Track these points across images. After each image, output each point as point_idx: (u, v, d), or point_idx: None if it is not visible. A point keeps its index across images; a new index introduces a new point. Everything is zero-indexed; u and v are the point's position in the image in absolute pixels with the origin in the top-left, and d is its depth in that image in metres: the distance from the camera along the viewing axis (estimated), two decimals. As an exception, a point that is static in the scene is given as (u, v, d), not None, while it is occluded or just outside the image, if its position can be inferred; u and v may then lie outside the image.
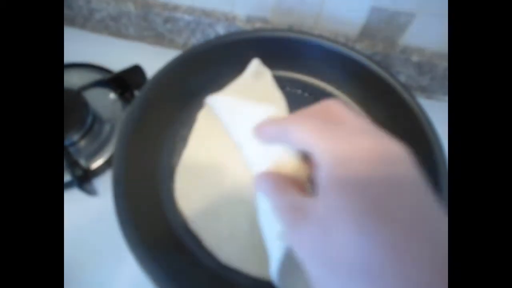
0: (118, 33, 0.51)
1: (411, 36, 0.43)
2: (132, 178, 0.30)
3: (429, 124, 0.35)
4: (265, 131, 0.21)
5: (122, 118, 0.42)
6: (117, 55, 0.48)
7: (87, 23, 0.51)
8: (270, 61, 0.40)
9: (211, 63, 0.38)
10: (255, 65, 0.39)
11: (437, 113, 0.37)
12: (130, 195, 0.29)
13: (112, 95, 0.44)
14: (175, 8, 0.46)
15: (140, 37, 0.51)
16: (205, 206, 0.31)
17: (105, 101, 0.44)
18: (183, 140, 0.36)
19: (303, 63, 0.41)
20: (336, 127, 0.18)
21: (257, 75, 0.39)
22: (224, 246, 0.30)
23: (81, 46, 0.48)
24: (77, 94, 0.42)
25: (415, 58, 0.44)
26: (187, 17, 0.46)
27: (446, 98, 0.50)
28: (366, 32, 0.44)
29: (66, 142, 0.40)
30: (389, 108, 0.38)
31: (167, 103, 0.35)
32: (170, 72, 0.35)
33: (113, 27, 0.50)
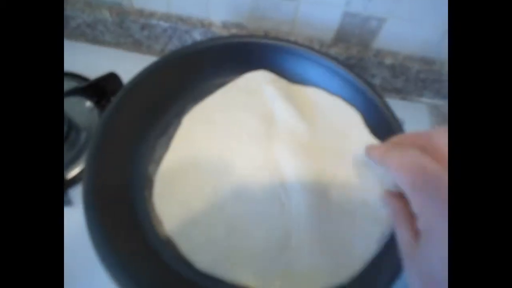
0: (95, 40, 0.51)
1: (384, 40, 0.44)
2: (104, 187, 0.30)
3: (396, 121, 0.36)
4: (371, 154, 0.28)
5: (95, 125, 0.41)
6: (94, 62, 0.47)
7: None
8: (245, 67, 0.40)
9: (188, 69, 0.38)
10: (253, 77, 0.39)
11: (411, 113, 0.38)
12: (103, 206, 0.29)
13: (88, 103, 0.44)
14: (151, 15, 0.46)
15: (117, 44, 0.51)
16: (183, 212, 0.31)
17: (81, 109, 0.44)
18: (162, 146, 0.35)
19: (279, 69, 0.41)
20: (432, 179, 0.21)
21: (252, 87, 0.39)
22: (200, 252, 0.29)
23: (57, 54, 0.48)
24: (52, 103, 0.41)
25: (388, 61, 0.45)
26: (163, 24, 0.46)
27: (421, 99, 0.51)
28: (340, 37, 0.45)
29: (41, 152, 0.39)
30: (360, 109, 0.39)
31: (143, 109, 0.35)
32: (146, 78, 0.35)
33: (90, 34, 0.50)
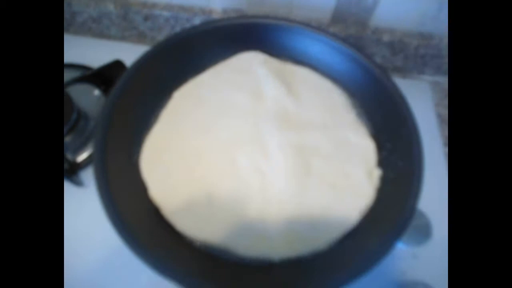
0: (101, 35, 0.53)
1: (381, 17, 0.45)
2: (112, 165, 0.31)
3: (402, 98, 0.36)
4: None
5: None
6: (101, 55, 0.49)
7: (70, 27, 0.53)
8: (244, 47, 0.41)
9: (186, 51, 0.39)
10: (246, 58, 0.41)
11: (413, 91, 0.38)
12: (112, 181, 0.30)
13: (96, 92, 0.46)
14: (154, 5, 0.48)
15: (122, 37, 0.53)
16: (166, 178, 0.33)
17: (90, 98, 0.46)
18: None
19: (286, 48, 0.42)
20: None
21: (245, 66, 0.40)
22: (181, 216, 0.31)
23: (65, 49, 0.50)
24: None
25: (386, 38, 0.46)
26: (165, 13, 0.48)
27: (421, 76, 0.51)
28: (338, 17, 0.46)
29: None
30: (365, 87, 0.39)
31: (144, 89, 0.36)
32: (147, 60, 0.37)
33: (96, 28, 0.52)
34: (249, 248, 0.30)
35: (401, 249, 0.37)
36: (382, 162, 0.35)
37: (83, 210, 0.37)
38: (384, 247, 0.28)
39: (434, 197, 0.39)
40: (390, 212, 0.30)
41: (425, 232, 0.38)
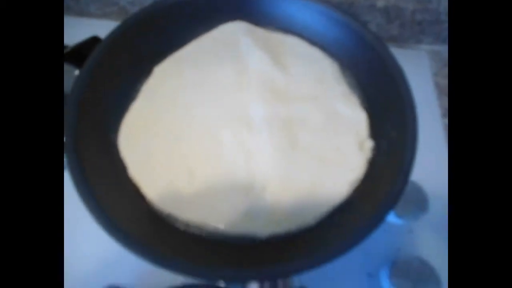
0: (81, 13, 0.51)
1: (374, -20, 0.42)
2: (86, 146, 0.30)
3: (396, 64, 0.33)
4: None
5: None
6: (81, 34, 0.47)
7: (48, 5, 0.50)
8: (231, 17, 0.39)
9: (168, 22, 0.37)
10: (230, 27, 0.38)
11: (411, 61, 0.36)
12: (86, 163, 0.29)
13: (76, 72, 0.44)
14: (132, -23, 0.45)
15: (103, 15, 0.50)
16: (145, 157, 0.31)
17: (69, 78, 0.44)
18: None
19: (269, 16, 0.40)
20: None
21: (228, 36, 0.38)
22: (162, 195, 0.30)
23: (44, 29, 0.48)
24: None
25: (380, 3, 0.43)
26: (145, -14, 0.45)
27: (419, 46, 0.49)
28: (328, -18, 0.43)
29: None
30: (357, 55, 0.37)
31: (121, 65, 0.34)
32: (123, 33, 0.35)
33: (74, 7, 0.50)
34: (234, 225, 0.29)
35: (397, 224, 0.36)
36: (375, 133, 0.33)
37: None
38: (375, 219, 0.26)
39: (431, 170, 0.38)
40: (382, 184, 0.29)
41: (421, 206, 0.36)
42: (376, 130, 0.33)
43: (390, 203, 0.27)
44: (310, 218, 0.29)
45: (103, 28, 0.47)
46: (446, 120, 0.43)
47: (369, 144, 0.32)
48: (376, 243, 0.35)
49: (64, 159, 0.28)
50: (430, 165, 0.38)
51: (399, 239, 0.35)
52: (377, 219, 0.26)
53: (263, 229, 0.29)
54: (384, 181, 0.29)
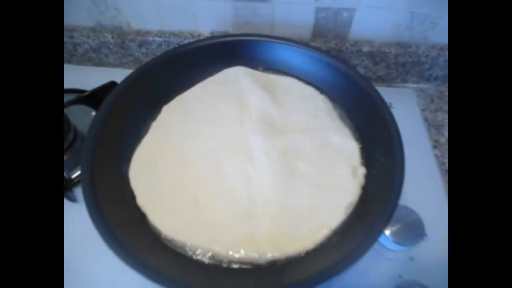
0: (100, 63, 0.57)
1: (358, 30, 0.48)
2: (100, 178, 0.32)
3: (380, 99, 0.37)
4: None
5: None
6: (100, 80, 0.52)
7: (72, 58, 0.57)
8: (231, 63, 0.44)
9: (177, 67, 0.42)
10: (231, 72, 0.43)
11: (399, 98, 0.39)
12: (100, 193, 0.31)
13: (93, 113, 0.48)
14: (147, 33, 0.52)
15: (120, 64, 0.56)
16: (152, 185, 0.34)
17: (86, 119, 0.48)
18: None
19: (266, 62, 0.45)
20: None
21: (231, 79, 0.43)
22: (166, 220, 0.32)
23: (67, 78, 0.53)
24: (60, 113, 0.45)
25: (366, 49, 0.48)
26: (158, 39, 0.51)
27: (405, 85, 0.53)
28: (318, 33, 0.49)
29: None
30: (346, 92, 0.41)
31: (134, 105, 0.39)
32: (137, 77, 0.39)
33: (95, 58, 0.56)
34: (235, 250, 0.30)
35: (397, 251, 0.36)
36: (366, 161, 0.36)
37: (78, 225, 0.37)
38: (370, 239, 0.27)
39: (425, 198, 0.39)
40: (375, 206, 0.30)
41: (419, 233, 0.37)
42: (367, 157, 0.36)
43: (383, 223, 0.28)
44: (309, 243, 0.30)
45: (120, 75, 0.53)
46: (437, 151, 0.45)
47: (361, 171, 0.35)
48: (378, 271, 0.35)
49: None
50: (425, 194, 0.40)
51: (400, 266, 0.35)
52: (371, 239, 0.27)
53: (262, 254, 0.30)
54: (377, 203, 0.30)
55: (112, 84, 0.46)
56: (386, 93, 0.37)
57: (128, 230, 0.30)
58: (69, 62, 0.58)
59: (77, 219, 0.38)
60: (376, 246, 0.35)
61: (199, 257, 0.30)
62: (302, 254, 0.30)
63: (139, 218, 0.32)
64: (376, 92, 0.37)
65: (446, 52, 0.48)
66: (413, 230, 0.37)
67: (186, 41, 0.51)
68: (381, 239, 0.35)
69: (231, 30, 0.51)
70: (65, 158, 0.44)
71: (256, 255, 0.30)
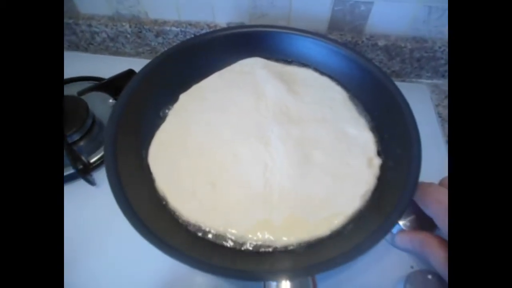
0: (117, 52, 0.58)
1: (375, 24, 0.48)
2: (122, 161, 0.33)
3: (397, 90, 0.37)
4: (403, 241, 0.32)
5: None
6: (117, 69, 0.53)
7: (90, 46, 0.58)
8: (249, 53, 0.44)
9: (194, 57, 0.42)
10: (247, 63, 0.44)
11: (412, 94, 0.38)
12: (122, 177, 0.32)
13: (111, 100, 0.49)
14: (164, 22, 0.53)
15: (136, 53, 0.57)
16: (171, 170, 0.35)
17: (104, 106, 0.49)
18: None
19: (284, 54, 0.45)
20: None
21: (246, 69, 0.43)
22: (185, 204, 0.32)
23: (84, 66, 0.54)
24: (79, 99, 0.46)
25: (381, 43, 0.49)
26: (175, 29, 0.52)
27: (420, 80, 0.53)
28: (334, 26, 0.49)
29: (69, 140, 0.44)
30: (363, 83, 0.41)
31: (152, 94, 0.39)
32: (155, 66, 0.40)
33: (112, 47, 0.57)
34: (252, 233, 0.31)
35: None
36: (382, 152, 0.36)
37: (96, 207, 0.39)
38: (383, 229, 0.28)
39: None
40: (391, 197, 0.31)
41: (431, 223, 0.37)
42: (382, 149, 0.36)
43: (398, 213, 0.29)
44: (324, 229, 0.31)
45: (136, 64, 0.54)
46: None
47: (377, 161, 0.35)
48: (389, 260, 0.36)
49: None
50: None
51: (411, 257, 0.36)
52: (386, 228, 0.28)
53: (278, 239, 0.31)
54: (393, 193, 0.31)
55: (129, 72, 0.47)
56: (400, 88, 0.37)
57: (149, 211, 0.31)
58: (87, 50, 0.59)
59: (97, 201, 0.39)
60: (389, 236, 0.35)
61: (217, 240, 0.31)
62: (317, 240, 0.31)
63: (159, 201, 0.33)
64: (394, 84, 0.37)
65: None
66: (426, 221, 0.37)
67: (203, 32, 0.51)
68: (395, 229, 0.36)
69: (247, 22, 0.51)
70: (83, 143, 0.45)
71: (272, 238, 0.31)
